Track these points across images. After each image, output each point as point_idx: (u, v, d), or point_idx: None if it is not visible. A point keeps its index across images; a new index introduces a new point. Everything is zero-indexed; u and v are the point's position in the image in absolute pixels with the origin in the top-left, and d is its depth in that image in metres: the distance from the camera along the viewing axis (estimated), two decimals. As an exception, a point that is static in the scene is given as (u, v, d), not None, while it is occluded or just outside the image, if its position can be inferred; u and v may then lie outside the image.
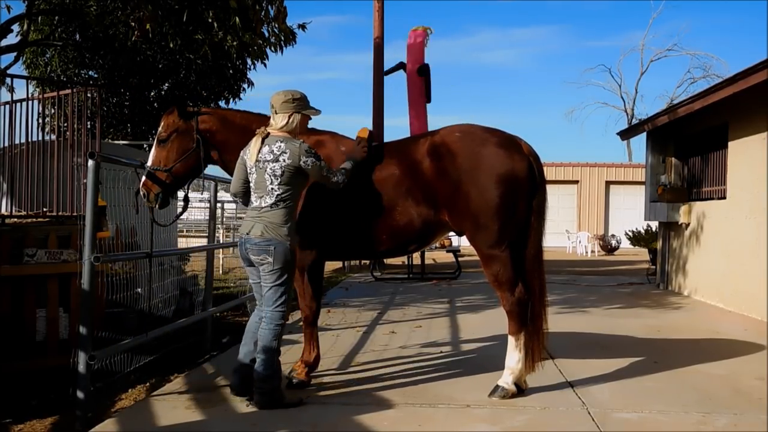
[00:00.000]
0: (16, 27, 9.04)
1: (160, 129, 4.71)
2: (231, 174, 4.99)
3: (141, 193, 4.64)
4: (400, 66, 12.68)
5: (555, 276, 12.90)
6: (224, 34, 8.97)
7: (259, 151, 4.18)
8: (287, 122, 4.24)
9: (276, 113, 4.26)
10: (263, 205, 4.18)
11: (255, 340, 4.33)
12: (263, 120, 4.92)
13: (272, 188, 4.16)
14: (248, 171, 4.26)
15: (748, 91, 7.79)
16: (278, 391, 4.25)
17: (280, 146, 4.15)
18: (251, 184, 4.26)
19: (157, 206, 4.67)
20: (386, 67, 15.10)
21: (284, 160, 4.12)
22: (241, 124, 4.81)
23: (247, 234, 4.19)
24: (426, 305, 8.99)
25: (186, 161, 4.66)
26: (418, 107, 13.26)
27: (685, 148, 10.95)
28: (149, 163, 4.66)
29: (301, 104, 4.27)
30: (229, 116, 4.86)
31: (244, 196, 4.38)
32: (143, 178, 4.65)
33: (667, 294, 10.66)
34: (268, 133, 4.24)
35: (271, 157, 4.15)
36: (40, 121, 6.61)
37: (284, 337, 6.65)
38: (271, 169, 4.15)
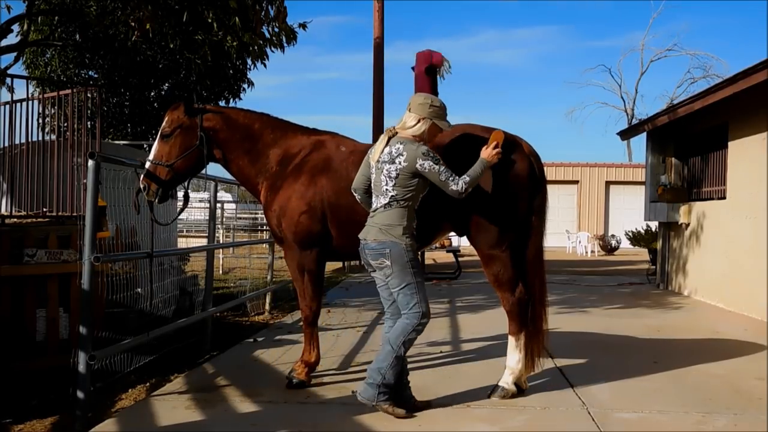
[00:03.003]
0: (16, 27, 9.03)
1: (164, 124, 4.73)
2: (232, 173, 5.02)
3: (141, 186, 4.66)
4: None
5: (555, 276, 12.90)
6: (224, 34, 8.96)
7: (381, 152, 4.10)
8: (415, 125, 4.09)
9: (409, 112, 4.13)
10: (377, 206, 4.10)
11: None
12: (266, 120, 4.94)
13: (386, 189, 4.04)
14: (371, 170, 4.18)
15: (748, 91, 7.79)
16: (384, 389, 4.02)
17: (398, 148, 4.03)
18: (372, 184, 4.18)
19: (156, 200, 4.68)
20: (387, 68, 15.07)
21: (400, 163, 3.99)
22: (244, 123, 4.83)
23: (365, 240, 4.10)
24: (426, 305, 8.97)
25: (188, 158, 4.69)
26: None
27: (685, 148, 10.95)
28: (151, 157, 4.68)
29: (436, 112, 4.10)
30: (233, 115, 4.89)
31: (364, 193, 4.28)
32: (144, 174, 4.67)
33: (667, 294, 10.66)
34: (395, 133, 4.13)
35: (388, 158, 4.04)
36: (40, 121, 6.60)
37: (284, 337, 6.71)
38: (387, 170, 4.04)
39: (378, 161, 4.10)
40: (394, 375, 4.06)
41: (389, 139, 4.12)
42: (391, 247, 4.00)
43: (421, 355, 5.85)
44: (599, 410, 4.27)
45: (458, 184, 4.00)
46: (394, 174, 4.02)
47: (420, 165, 3.97)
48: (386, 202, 4.06)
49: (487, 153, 4.13)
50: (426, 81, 13.92)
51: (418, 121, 4.10)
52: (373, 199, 4.17)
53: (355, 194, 4.34)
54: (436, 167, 3.97)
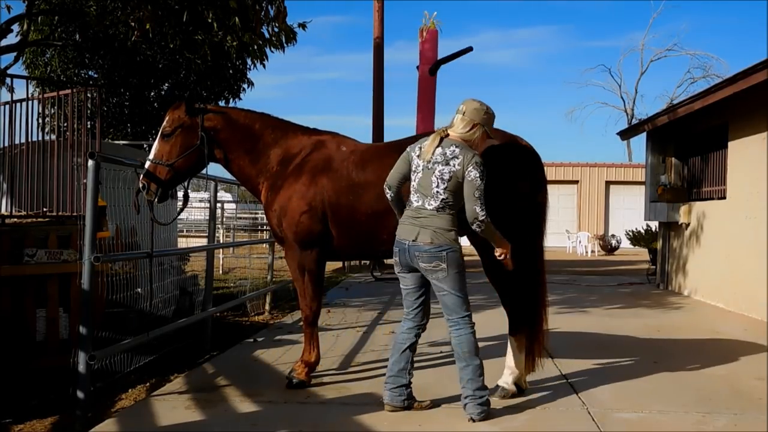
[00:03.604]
0: (16, 27, 9.02)
1: (165, 123, 4.74)
2: (232, 173, 5.01)
3: (140, 185, 4.66)
4: (467, 50, 12.49)
5: (555, 276, 12.89)
6: (224, 34, 8.97)
7: (433, 152, 3.98)
8: (470, 130, 4.01)
9: (462, 116, 4.04)
10: (427, 207, 3.98)
11: (402, 350, 4.14)
12: (267, 120, 4.94)
13: (438, 192, 3.96)
14: (413, 168, 4.06)
15: (748, 91, 7.79)
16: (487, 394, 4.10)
17: (454, 150, 3.95)
18: (414, 183, 4.05)
19: (156, 200, 4.68)
20: (387, 68, 15.07)
21: (454, 166, 3.93)
22: (245, 123, 4.84)
23: (414, 240, 3.97)
24: (426, 305, 8.98)
25: (188, 157, 4.69)
26: (425, 110, 13.22)
27: (685, 148, 10.95)
28: (151, 156, 4.68)
29: (489, 120, 4.07)
30: (234, 115, 4.90)
31: (397, 192, 4.15)
32: (144, 173, 4.68)
33: (667, 294, 10.66)
34: (447, 135, 4.05)
35: (442, 159, 3.95)
36: (40, 121, 6.60)
37: (284, 337, 6.70)
38: (439, 172, 3.94)
39: (429, 161, 3.98)
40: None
41: (441, 139, 4.02)
42: (447, 250, 3.96)
43: (421, 355, 5.84)
44: (599, 410, 4.27)
45: (483, 213, 3.93)
46: (446, 176, 3.95)
47: (468, 171, 3.92)
48: (438, 205, 3.97)
49: (501, 249, 4.10)
50: (430, 81, 13.81)
51: (473, 127, 4.03)
52: (415, 199, 4.04)
53: (387, 191, 4.17)
54: (479, 182, 3.92)
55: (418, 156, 4.06)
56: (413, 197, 4.07)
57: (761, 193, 8.11)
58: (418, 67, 13.52)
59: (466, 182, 3.93)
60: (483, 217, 3.94)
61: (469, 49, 12.65)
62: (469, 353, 4.07)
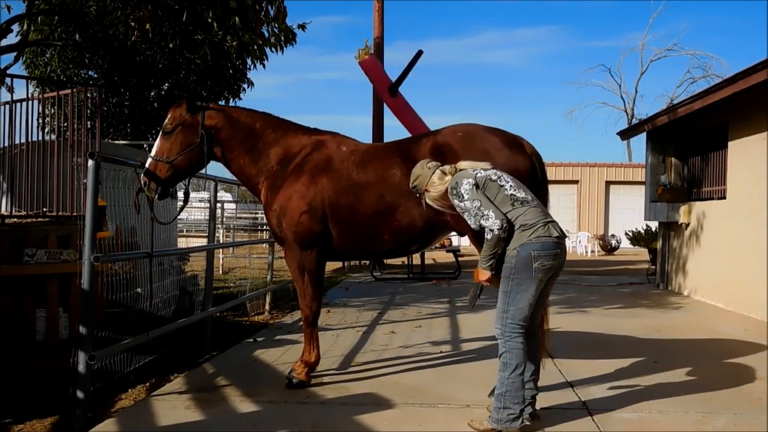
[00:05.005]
0: (16, 27, 9.02)
1: (166, 120, 4.77)
2: (233, 172, 5.03)
3: (141, 182, 4.68)
4: (418, 54, 12.30)
5: (555, 276, 12.87)
6: (224, 34, 8.97)
7: (493, 167, 4.00)
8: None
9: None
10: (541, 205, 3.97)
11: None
12: (267, 119, 4.95)
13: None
14: (507, 186, 3.85)
15: (748, 91, 7.79)
16: None
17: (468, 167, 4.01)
18: (519, 194, 3.84)
19: (156, 197, 4.70)
20: (387, 68, 14.99)
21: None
22: (245, 122, 4.85)
23: (562, 240, 3.83)
24: (426, 305, 8.99)
25: (188, 155, 4.71)
26: (410, 120, 13.19)
27: (685, 148, 10.95)
28: (153, 153, 4.70)
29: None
30: (235, 114, 4.91)
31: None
32: (144, 171, 4.69)
33: (667, 294, 10.66)
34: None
35: (491, 171, 3.96)
36: (40, 121, 6.60)
37: (284, 337, 6.71)
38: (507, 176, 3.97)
39: (503, 175, 3.91)
40: None
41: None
42: None
43: (421, 355, 5.86)
44: (599, 410, 4.27)
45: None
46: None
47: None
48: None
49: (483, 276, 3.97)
50: (397, 100, 13.52)
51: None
52: (537, 204, 3.89)
53: (506, 229, 3.73)
54: None
55: (499, 176, 3.89)
56: (534, 201, 3.88)
57: (761, 193, 8.11)
58: (376, 94, 13.35)
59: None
60: None
61: (420, 53, 12.48)
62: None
